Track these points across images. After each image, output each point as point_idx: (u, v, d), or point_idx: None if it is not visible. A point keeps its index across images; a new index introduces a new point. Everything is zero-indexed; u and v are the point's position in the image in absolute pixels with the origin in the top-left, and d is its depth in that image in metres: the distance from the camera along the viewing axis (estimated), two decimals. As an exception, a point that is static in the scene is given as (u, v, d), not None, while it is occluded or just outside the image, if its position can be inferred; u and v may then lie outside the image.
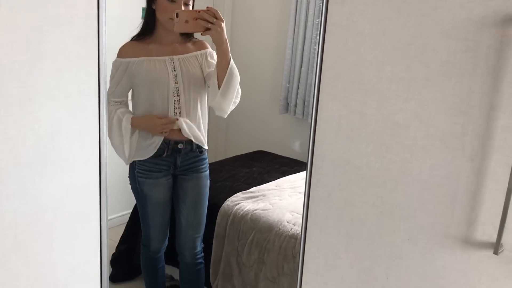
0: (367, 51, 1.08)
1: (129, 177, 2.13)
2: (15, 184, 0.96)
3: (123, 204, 3.39)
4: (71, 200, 1.07)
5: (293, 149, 3.50)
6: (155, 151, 1.96)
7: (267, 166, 3.17)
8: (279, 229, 2.43)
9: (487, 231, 0.99)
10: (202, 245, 2.26)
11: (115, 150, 1.98)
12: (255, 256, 2.48)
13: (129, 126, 1.90)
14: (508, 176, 0.94)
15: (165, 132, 1.91)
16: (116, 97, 1.94)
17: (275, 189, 2.83)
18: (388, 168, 1.09)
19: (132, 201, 2.84)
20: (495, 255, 0.98)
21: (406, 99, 1.05)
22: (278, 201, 2.67)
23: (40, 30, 0.93)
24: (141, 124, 1.94)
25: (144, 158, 1.98)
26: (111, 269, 2.88)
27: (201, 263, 2.24)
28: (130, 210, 2.89)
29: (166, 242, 2.24)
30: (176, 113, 1.94)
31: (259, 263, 2.46)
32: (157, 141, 1.95)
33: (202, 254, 2.26)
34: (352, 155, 1.14)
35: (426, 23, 1.01)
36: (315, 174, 1.20)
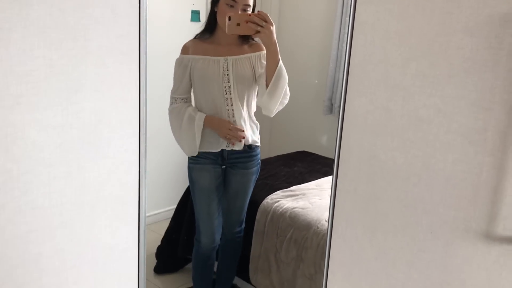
0: (393, 49, 1.12)
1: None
2: (62, 167, 1.07)
3: (169, 199, 3.53)
4: (112, 185, 1.17)
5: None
6: (217, 150, 2.10)
7: (309, 166, 3.21)
8: (318, 227, 2.46)
9: (508, 225, 1.00)
10: (243, 226, 2.41)
11: (180, 143, 2.12)
12: (293, 253, 2.52)
13: (202, 124, 2.04)
14: (529, 171, 0.95)
15: (229, 139, 2.05)
16: (181, 94, 2.09)
17: (315, 189, 2.86)
18: (412, 162, 1.12)
19: (178, 196, 2.96)
20: (516, 250, 0.98)
21: (429, 95, 1.07)
22: (318, 200, 2.70)
23: (86, 29, 1.03)
24: (212, 124, 2.07)
25: (204, 151, 2.11)
26: (155, 261, 3.01)
27: (239, 241, 2.42)
28: (176, 206, 3.00)
29: (217, 242, 2.31)
30: (229, 110, 2.05)
31: (297, 260, 2.50)
32: (221, 141, 2.08)
33: (241, 234, 2.42)
34: (377, 150, 1.17)
35: (450, 20, 1.03)
36: (342, 168, 1.24)
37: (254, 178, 2.29)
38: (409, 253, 1.14)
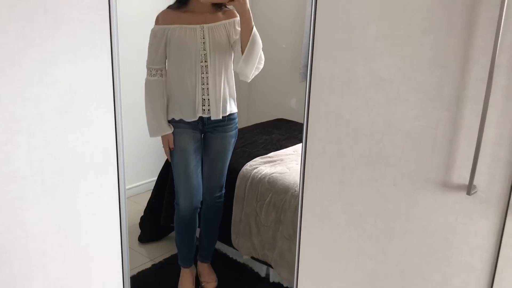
0: (355, 13, 1.17)
1: None
2: (41, 137, 1.11)
3: (150, 171, 3.58)
4: (91, 153, 1.22)
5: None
6: (195, 119, 2.18)
7: (286, 132, 3.27)
8: (295, 190, 2.54)
9: (462, 174, 1.08)
10: (223, 191, 2.48)
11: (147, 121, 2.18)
12: (272, 216, 2.61)
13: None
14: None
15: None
16: (157, 65, 2.12)
17: (293, 154, 2.94)
18: (375, 120, 1.19)
19: (159, 168, 3.01)
20: (469, 196, 1.07)
21: (389, 55, 1.13)
22: (295, 165, 2.78)
23: (56, 1, 1.06)
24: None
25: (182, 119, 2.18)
26: (139, 231, 3.08)
27: (219, 206, 2.50)
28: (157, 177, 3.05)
29: (196, 205, 2.36)
30: (204, 78, 2.09)
31: (276, 222, 2.59)
32: (197, 109, 2.15)
33: (222, 199, 2.50)
34: (343, 110, 1.23)
35: (407, -17, 1.08)
36: (311, 129, 1.30)
37: (233, 141, 2.36)
38: (375, 204, 1.22)
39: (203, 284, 2.56)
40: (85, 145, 1.20)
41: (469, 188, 1.04)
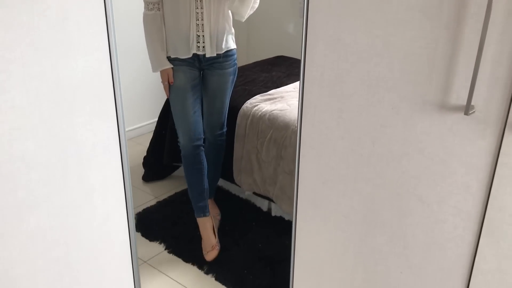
0: None
1: None
2: (35, 66, 1.10)
3: (151, 112, 3.58)
4: (87, 83, 1.21)
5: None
6: (189, 56, 2.16)
7: (287, 70, 3.24)
8: (295, 126, 2.54)
9: (461, 95, 1.07)
10: (224, 129, 2.49)
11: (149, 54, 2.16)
12: (273, 153, 2.63)
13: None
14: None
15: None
16: None
17: (293, 91, 2.92)
18: (374, 43, 1.16)
19: (159, 109, 3.01)
20: (467, 117, 1.06)
21: (389, -26, 1.10)
22: (295, 102, 2.77)
23: None
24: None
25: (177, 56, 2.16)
26: (143, 170, 3.12)
27: (221, 144, 2.53)
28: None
29: (195, 142, 2.34)
30: (198, 13, 2.05)
31: (277, 158, 2.62)
32: (191, 46, 2.12)
33: (223, 137, 2.51)
34: (342, 32, 1.21)
35: None
36: (309, 55, 1.28)
37: (231, 79, 2.33)
38: (373, 129, 1.22)
39: None
40: (81, 75, 1.19)
41: (467, 108, 1.04)
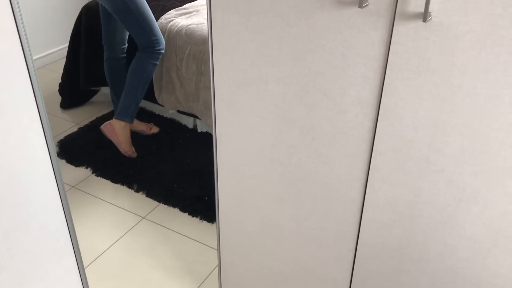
0: None
1: None
2: None
3: (61, 37, 3.40)
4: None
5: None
6: None
7: (201, -16, 3.16)
8: (213, 40, 2.54)
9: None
10: (125, 45, 2.70)
11: None
12: (193, 69, 2.64)
13: None
14: None
15: None
16: None
17: (208, 5, 2.87)
18: None
19: (69, 33, 2.87)
20: (361, 10, 1.13)
21: None
22: (211, 15, 2.74)
23: None
24: None
25: None
26: (59, 98, 3.03)
27: (125, 56, 2.74)
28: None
29: (119, 49, 2.49)
30: None
31: (198, 74, 2.63)
32: None
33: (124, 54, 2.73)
34: None
35: None
36: (212, -41, 1.28)
37: None
38: (279, 30, 1.27)
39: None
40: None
41: (361, 1, 1.10)
